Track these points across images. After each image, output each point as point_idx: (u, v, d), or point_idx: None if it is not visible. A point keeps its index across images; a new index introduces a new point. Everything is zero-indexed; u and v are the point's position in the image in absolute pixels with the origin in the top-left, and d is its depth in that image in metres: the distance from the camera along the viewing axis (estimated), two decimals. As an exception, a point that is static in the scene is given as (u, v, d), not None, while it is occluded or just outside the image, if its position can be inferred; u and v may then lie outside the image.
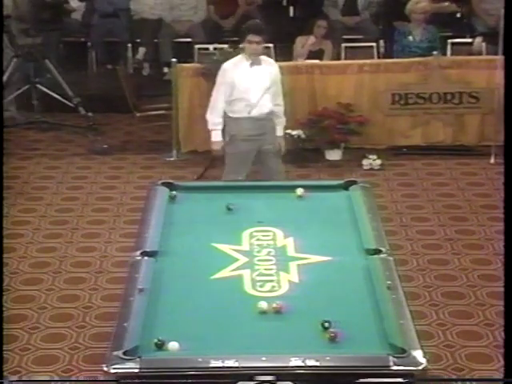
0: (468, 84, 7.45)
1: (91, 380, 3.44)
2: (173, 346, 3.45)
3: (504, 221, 3.84)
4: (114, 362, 3.34)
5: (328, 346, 3.44)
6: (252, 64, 5.75)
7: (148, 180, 6.29)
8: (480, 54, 7.94)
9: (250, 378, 3.29)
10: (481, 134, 7.48)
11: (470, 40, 8.26)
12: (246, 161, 5.89)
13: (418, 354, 3.32)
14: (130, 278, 3.99)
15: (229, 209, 4.64)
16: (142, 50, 9.10)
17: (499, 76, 7.14)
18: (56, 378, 4.45)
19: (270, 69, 5.87)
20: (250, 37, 5.67)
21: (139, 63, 9.14)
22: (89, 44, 9.16)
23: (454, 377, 4.35)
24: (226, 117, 5.86)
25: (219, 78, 5.80)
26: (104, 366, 3.35)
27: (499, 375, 4.42)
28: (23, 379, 4.04)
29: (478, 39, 8.11)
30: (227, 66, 5.78)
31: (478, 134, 7.50)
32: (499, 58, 7.23)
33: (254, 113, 5.79)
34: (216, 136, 5.81)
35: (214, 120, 5.80)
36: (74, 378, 3.41)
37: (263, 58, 5.90)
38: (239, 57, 5.84)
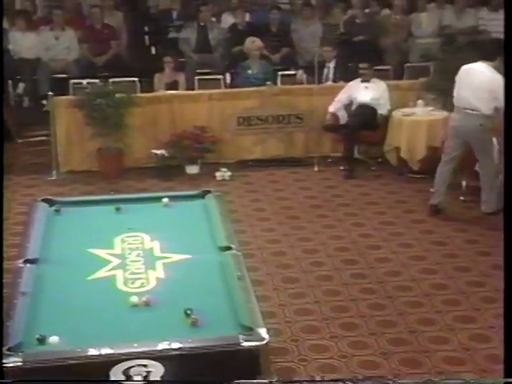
0: (294, 107, 7.59)
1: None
2: (53, 340, 3.30)
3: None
4: (-1, 358, 3.14)
5: (190, 330, 3.39)
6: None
7: (31, 197, 5.95)
8: (302, 83, 8.14)
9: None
10: (306, 148, 7.63)
11: (294, 72, 8.46)
12: None
13: (263, 331, 3.33)
14: (14, 283, 3.78)
15: (117, 209, 4.61)
16: (21, 86, 8.77)
17: (316, 100, 7.37)
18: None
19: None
20: None
21: (20, 97, 8.79)
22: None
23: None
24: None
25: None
26: (-11, 361, 3.14)
27: (325, 342, 4.52)
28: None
29: (300, 71, 8.32)
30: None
31: (303, 147, 7.64)
32: (315, 87, 7.48)
33: None
34: None
35: None
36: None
37: None
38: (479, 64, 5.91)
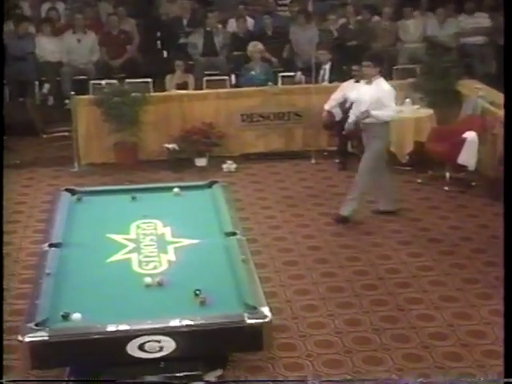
0: (293, 105, 7.50)
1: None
2: (76, 316, 3.29)
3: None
4: (28, 332, 3.13)
5: (199, 308, 3.37)
6: None
7: (55, 187, 5.91)
8: (300, 83, 8.06)
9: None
10: (304, 142, 7.54)
11: (292, 73, 8.37)
12: None
13: (266, 310, 3.31)
14: (40, 265, 3.77)
15: (133, 198, 4.60)
16: (46, 86, 8.69)
17: (314, 99, 7.28)
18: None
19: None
20: None
21: (45, 96, 8.70)
22: (5, 82, 8.58)
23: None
24: None
25: None
26: (19, 336, 3.13)
27: (322, 320, 4.46)
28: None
29: (298, 73, 8.23)
30: None
31: (302, 142, 7.55)
32: (312, 86, 7.39)
33: None
34: None
35: None
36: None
37: None
38: None
